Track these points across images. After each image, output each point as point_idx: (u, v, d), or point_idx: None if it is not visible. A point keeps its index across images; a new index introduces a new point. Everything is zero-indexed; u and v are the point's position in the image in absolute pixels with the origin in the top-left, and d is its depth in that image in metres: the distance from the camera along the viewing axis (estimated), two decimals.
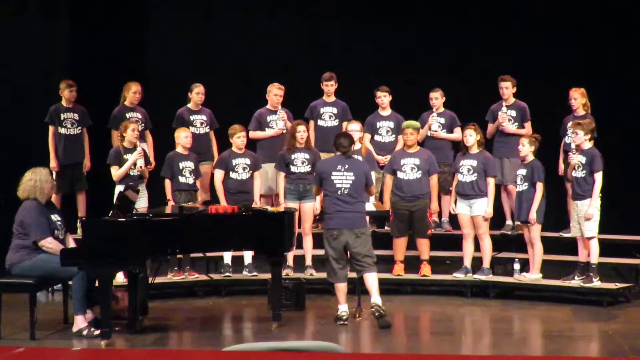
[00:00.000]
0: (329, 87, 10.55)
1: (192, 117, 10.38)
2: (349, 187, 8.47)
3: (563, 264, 10.02)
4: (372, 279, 8.48)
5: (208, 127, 10.45)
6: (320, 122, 10.58)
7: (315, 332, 8.52)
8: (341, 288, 8.53)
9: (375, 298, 8.43)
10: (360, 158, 9.48)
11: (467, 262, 9.84)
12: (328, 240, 8.52)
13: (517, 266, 9.75)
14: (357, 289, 8.76)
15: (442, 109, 10.60)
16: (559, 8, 11.41)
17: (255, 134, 10.38)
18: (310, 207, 9.91)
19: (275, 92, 10.37)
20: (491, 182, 9.75)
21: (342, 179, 8.49)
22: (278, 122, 10.37)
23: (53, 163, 10.18)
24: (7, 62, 11.23)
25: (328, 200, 8.55)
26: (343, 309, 8.52)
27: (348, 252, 8.55)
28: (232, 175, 9.88)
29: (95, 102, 10.57)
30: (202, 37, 12.06)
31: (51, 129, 10.28)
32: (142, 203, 9.45)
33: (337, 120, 10.54)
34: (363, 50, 11.86)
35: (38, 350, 6.03)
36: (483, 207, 9.70)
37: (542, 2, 11.56)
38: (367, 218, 9.15)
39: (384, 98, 10.54)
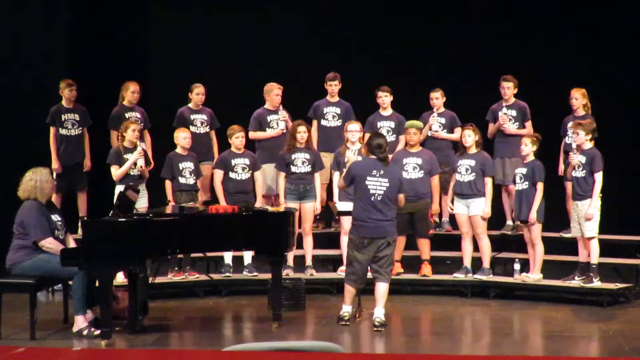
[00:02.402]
0: (333, 87, 10.55)
1: (192, 117, 10.38)
2: (383, 194, 8.26)
3: (563, 264, 10.01)
4: (382, 289, 8.38)
5: (208, 126, 10.45)
6: (323, 122, 10.59)
7: (315, 332, 8.52)
8: (350, 290, 8.49)
9: (380, 310, 8.34)
10: (359, 158, 9.46)
11: (467, 262, 9.84)
12: (357, 246, 8.31)
13: (517, 266, 9.76)
14: (359, 289, 8.75)
15: (442, 109, 10.60)
16: (559, 8, 11.43)
17: (255, 135, 10.38)
18: (311, 207, 9.91)
19: (276, 92, 10.36)
20: (489, 182, 9.75)
21: (377, 184, 8.26)
22: (279, 123, 10.36)
23: (55, 164, 10.18)
24: (7, 62, 11.23)
25: (358, 207, 8.30)
26: (346, 309, 8.50)
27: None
28: (232, 175, 9.88)
29: (96, 102, 10.57)
30: (202, 36, 12.06)
31: (52, 130, 10.28)
32: (142, 203, 9.45)
33: (340, 120, 10.54)
34: (364, 50, 11.86)
35: (38, 350, 6.03)
36: (481, 207, 9.71)
37: (543, 2, 11.58)
38: None
39: (385, 98, 10.54)
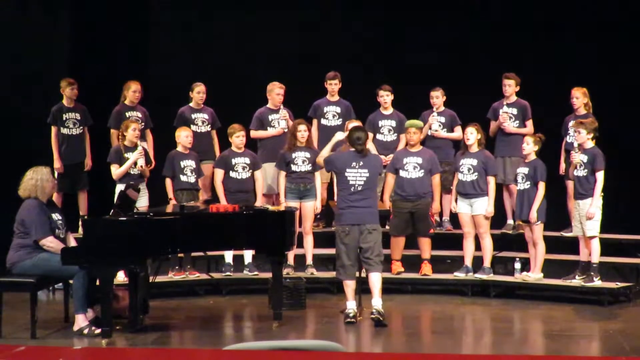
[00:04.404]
0: (333, 86, 10.56)
1: (193, 116, 10.38)
2: (363, 184, 8.43)
3: (564, 263, 10.00)
4: (375, 279, 8.44)
5: (210, 126, 10.45)
6: (323, 121, 10.59)
7: (315, 331, 8.53)
8: (350, 285, 8.51)
9: (376, 300, 8.38)
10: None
11: (468, 262, 9.83)
12: (340, 236, 8.47)
13: (517, 265, 9.75)
14: (358, 288, 8.74)
15: (442, 108, 10.59)
16: (559, 8, 11.43)
17: (256, 134, 10.38)
18: (311, 206, 9.91)
19: (277, 92, 10.37)
20: (491, 181, 9.74)
21: (356, 175, 8.45)
22: (280, 122, 10.37)
23: (57, 164, 10.18)
24: (8, 62, 11.22)
25: (340, 197, 8.52)
26: (351, 305, 8.50)
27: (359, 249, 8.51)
28: (232, 174, 9.88)
29: (96, 101, 10.57)
30: (203, 36, 12.06)
31: (53, 129, 10.28)
32: (142, 202, 9.45)
33: (340, 119, 10.54)
34: (364, 49, 11.86)
35: (39, 349, 6.02)
36: (484, 206, 9.70)
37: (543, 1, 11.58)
38: None
39: (386, 97, 10.54)
